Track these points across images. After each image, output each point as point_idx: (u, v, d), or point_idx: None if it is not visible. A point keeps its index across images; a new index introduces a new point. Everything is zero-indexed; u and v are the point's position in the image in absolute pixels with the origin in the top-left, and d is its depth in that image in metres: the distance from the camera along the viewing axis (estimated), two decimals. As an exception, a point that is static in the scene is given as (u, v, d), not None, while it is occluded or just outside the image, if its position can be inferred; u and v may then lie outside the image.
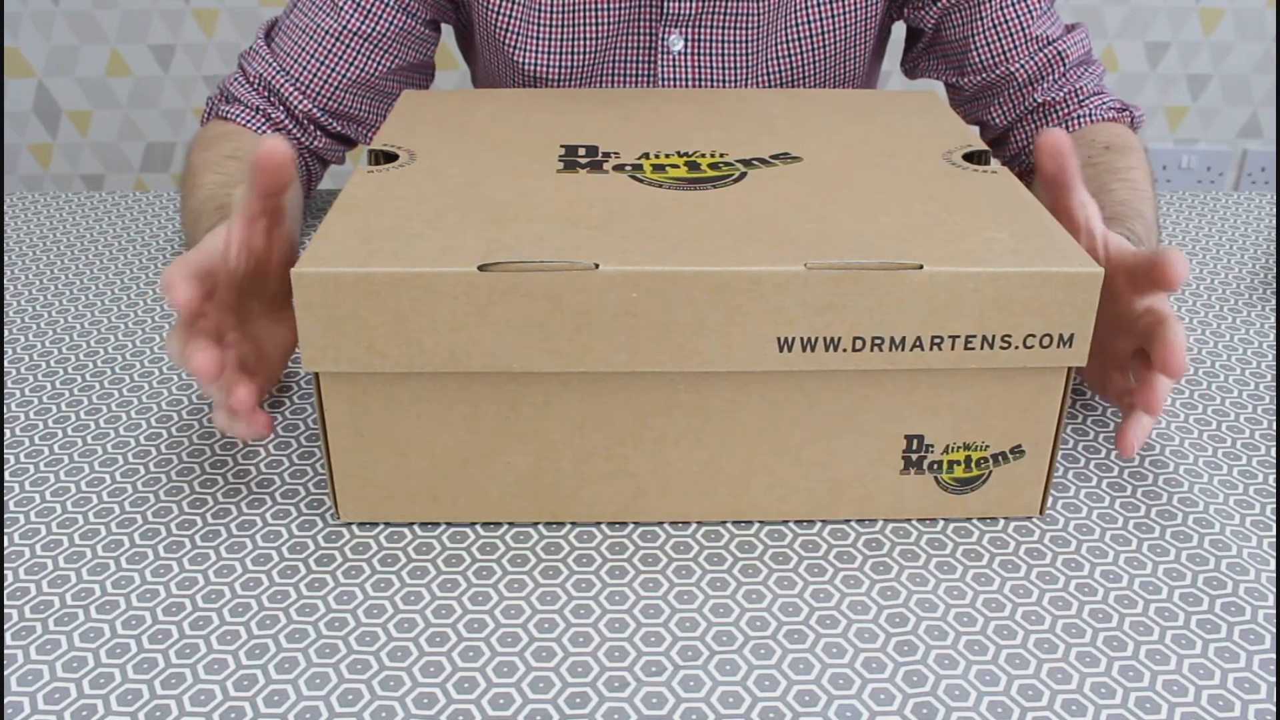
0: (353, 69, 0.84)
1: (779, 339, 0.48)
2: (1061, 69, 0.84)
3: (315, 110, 0.84)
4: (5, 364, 0.68)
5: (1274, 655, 0.47)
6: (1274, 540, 0.54)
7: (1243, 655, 0.47)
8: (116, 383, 0.66)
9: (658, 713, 0.44)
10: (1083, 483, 0.57)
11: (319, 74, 0.83)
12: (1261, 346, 0.70)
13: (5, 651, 0.47)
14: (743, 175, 0.57)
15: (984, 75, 0.86)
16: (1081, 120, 0.84)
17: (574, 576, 0.51)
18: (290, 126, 0.84)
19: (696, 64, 0.86)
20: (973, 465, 0.53)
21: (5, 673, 0.46)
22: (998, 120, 0.87)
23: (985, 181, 0.57)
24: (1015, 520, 0.55)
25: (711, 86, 0.87)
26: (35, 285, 0.77)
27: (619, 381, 0.50)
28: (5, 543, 0.53)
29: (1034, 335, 0.49)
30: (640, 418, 0.51)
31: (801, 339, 0.48)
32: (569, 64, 0.86)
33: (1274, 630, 0.48)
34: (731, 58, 0.86)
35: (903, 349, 0.49)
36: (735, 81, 0.87)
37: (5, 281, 0.78)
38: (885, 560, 0.52)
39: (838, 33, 0.87)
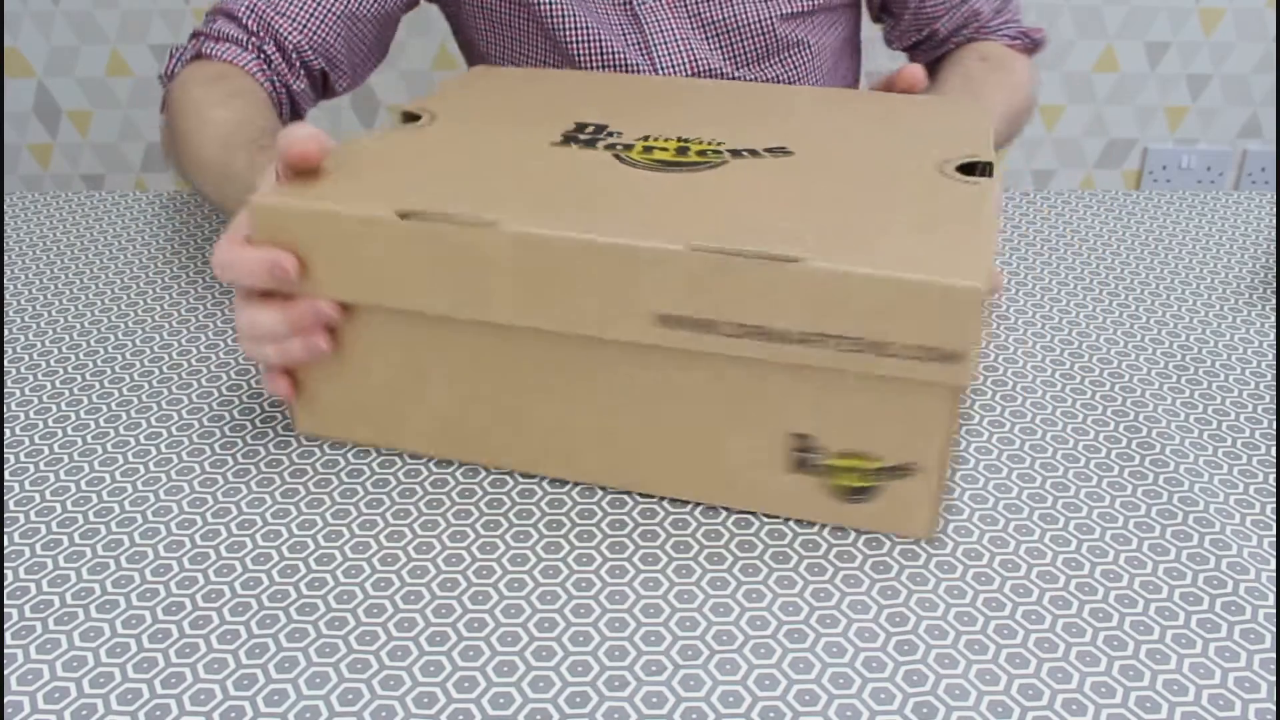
0: (338, 5, 0.85)
1: (659, 315, 0.49)
2: (977, 24, 0.93)
3: (304, 44, 0.84)
4: (5, 364, 0.68)
5: (1274, 655, 0.47)
6: (1274, 540, 0.54)
7: (1243, 655, 0.47)
8: (116, 382, 0.66)
9: (658, 712, 0.44)
10: (1083, 482, 0.57)
11: (306, 9, 0.84)
12: (1261, 346, 0.70)
13: (5, 651, 0.47)
14: (723, 164, 0.58)
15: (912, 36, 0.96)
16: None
17: (574, 575, 0.51)
18: (279, 63, 0.84)
19: (674, 10, 0.90)
20: (866, 476, 0.52)
21: (5, 672, 0.46)
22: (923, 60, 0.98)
23: (958, 191, 0.55)
24: (1015, 519, 0.55)
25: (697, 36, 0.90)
26: (35, 285, 0.77)
27: (517, 336, 0.53)
28: (5, 542, 0.53)
29: (911, 346, 0.47)
30: (536, 374, 0.54)
31: (682, 317, 0.49)
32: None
33: (1274, 630, 0.48)
34: (712, 4, 0.91)
35: (781, 342, 0.49)
36: (718, 30, 0.90)
37: (5, 281, 0.78)
38: (885, 560, 0.52)
39: None
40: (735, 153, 0.59)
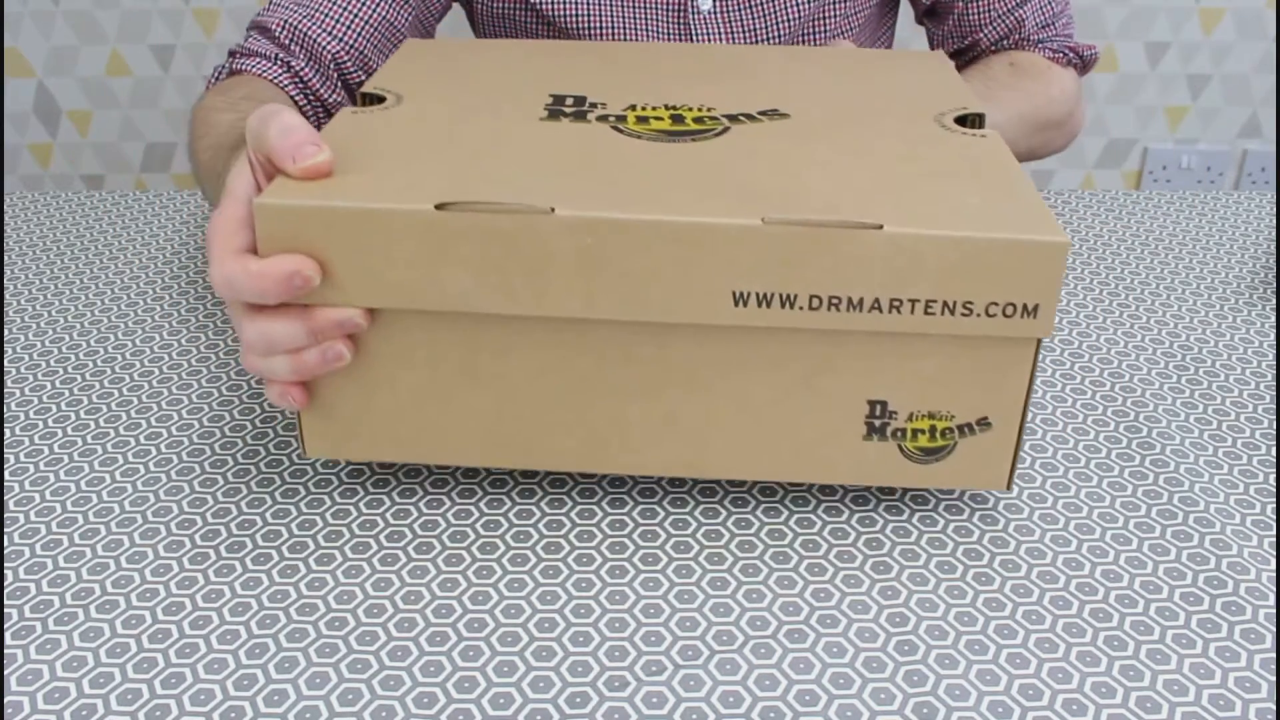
0: (376, 14, 0.85)
1: (734, 293, 0.48)
2: (1020, 34, 0.91)
3: (342, 53, 0.84)
4: (5, 364, 0.68)
5: (1274, 655, 0.47)
6: (1275, 539, 0.54)
7: (1243, 655, 0.47)
8: (116, 382, 0.66)
9: (658, 712, 0.44)
10: (1083, 482, 0.57)
11: (344, 17, 0.84)
12: (1262, 346, 0.70)
13: (5, 651, 0.47)
14: (725, 130, 0.57)
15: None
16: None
17: (574, 576, 0.51)
18: (310, 76, 0.83)
19: (726, 21, 0.89)
20: (938, 435, 0.52)
21: (5, 673, 0.46)
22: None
23: (973, 145, 0.56)
24: (1015, 519, 0.55)
25: (742, 44, 0.89)
26: (35, 285, 0.77)
27: (577, 329, 0.50)
28: (5, 542, 0.53)
29: (996, 304, 0.48)
30: (598, 367, 0.51)
31: (757, 294, 0.48)
32: (599, 23, 0.88)
33: (1274, 630, 0.48)
34: (760, 15, 0.89)
35: (860, 310, 0.48)
36: (765, 38, 0.90)
37: (5, 281, 0.78)
38: (885, 560, 0.52)
39: None
40: (731, 118, 0.59)
